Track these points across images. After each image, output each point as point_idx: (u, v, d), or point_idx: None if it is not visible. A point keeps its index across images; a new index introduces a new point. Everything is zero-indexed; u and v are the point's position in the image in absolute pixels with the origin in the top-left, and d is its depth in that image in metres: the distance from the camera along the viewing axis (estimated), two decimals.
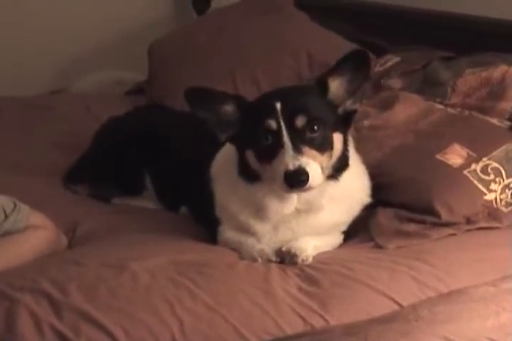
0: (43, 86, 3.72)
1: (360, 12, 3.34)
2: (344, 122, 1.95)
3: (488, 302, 1.74)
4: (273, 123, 1.85)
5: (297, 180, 1.80)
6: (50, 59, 3.81)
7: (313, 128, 1.85)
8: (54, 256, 2.01)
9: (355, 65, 1.90)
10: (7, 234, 2.01)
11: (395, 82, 2.67)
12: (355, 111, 1.96)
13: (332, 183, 1.94)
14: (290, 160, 1.80)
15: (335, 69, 1.92)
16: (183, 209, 2.34)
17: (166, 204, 2.41)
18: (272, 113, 1.85)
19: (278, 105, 1.86)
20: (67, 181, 2.57)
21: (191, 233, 2.12)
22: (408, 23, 3.11)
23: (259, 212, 1.98)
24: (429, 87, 2.57)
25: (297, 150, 1.82)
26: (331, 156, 1.89)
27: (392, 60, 2.83)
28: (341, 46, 3.08)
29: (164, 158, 2.35)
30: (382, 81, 2.71)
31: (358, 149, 2.14)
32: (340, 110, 1.93)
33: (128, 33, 3.93)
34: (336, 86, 1.92)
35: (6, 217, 2.01)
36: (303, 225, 2.00)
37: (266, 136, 1.85)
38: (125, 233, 2.14)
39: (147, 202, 2.44)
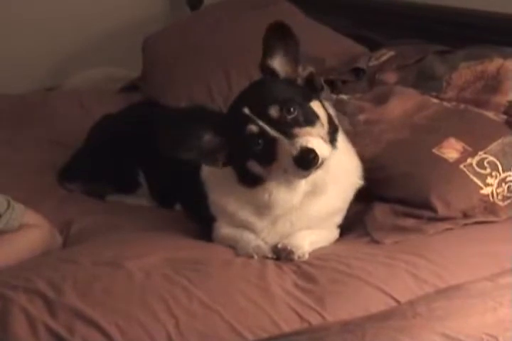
0: (36, 83, 3.71)
1: (354, 6, 3.33)
2: (310, 88, 1.95)
3: (486, 297, 1.73)
4: (253, 127, 1.85)
5: (308, 159, 1.79)
6: (43, 56, 3.79)
7: (290, 110, 1.85)
8: (48, 254, 2.01)
9: (279, 38, 1.91)
10: (1, 233, 2.00)
11: (390, 77, 2.66)
12: (312, 74, 1.96)
13: (332, 153, 1.90)
14: (290, 147, 1.80)
15: (266, 51, 1.93)
16: (178, 206, 2.34)
17: (160, 201, 2.40)
18: (245, 119, 1.85)
19: (246, 110, 1.86)
20: (61, 179, 2.56)
21: (186, 230, 2.11)
22: (403, 17, 3.10)
23: (262, 208, 1.97)
24: (424, 80, 2.56)
25: (290, 136, 1.81)
26: (322, 124, 1.89)
27: (386, 54, 2.82)
28: (335, 41, 3.07)
29: (158, 155, 2.34)
30: (377, 75, 2.70)
31: (354, 144, 2.13)
32: (298, 81, 1.94)
33: (122, 30, 3.92)
34: (278, 64, 1.93)
35: (0, 216, 1.99)
36: (302, 215, 1.99)
37: (256, 141, 1.85)
38: (120, 231, 2.14)
39: (141, 199, 2.43)
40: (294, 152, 1.79)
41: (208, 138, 1.92)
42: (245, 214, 2.00)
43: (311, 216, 2.00)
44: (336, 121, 1.99)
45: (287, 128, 1.83)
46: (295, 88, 1.93)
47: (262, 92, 1.92)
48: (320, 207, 2.00)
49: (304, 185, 1.95)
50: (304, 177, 1.89)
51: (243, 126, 1.86)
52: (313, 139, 1.82)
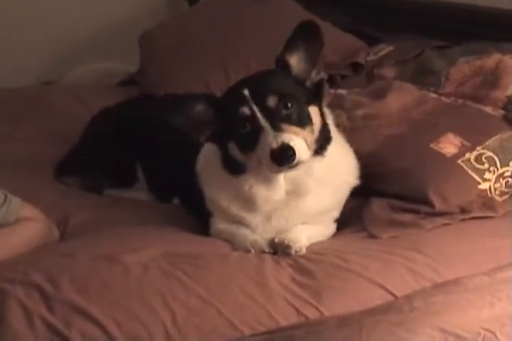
0: (34, 77, 3.70)
1: (353, 2, 3.32)
2: (316, 94, 1.95)
3: (482, 292, 1.73)
4: (246, 110, 1.85)
5: (284, 156, 1.79)
6: (41, 50, 3.79)
7: (287, 105, 1.86)
8: (45, 248, 2.00)
9: (306, 37, 1.91)
10: None
11: (388, 72, 2.66)
12: (322, 81, 1.96)
13: (318, 159, 1.93)
14: (272, 139, 1.80)
15: (289, 45, 1.93)
16: (176, 200, 2.33)
17: (158, 195, 2.40)
18: (242, 100, 1.86)
19: (246, 91, 1.86)
20: (58, 173, 2.55)
21: (184, 224, 2.11)
22: (401, 12, 3.10)
23: (250, 203, 1.97)
24: (422, 75, 2.56)
25: (276, 128, 1.82)
26: (312, 130, 1.89)
27: (385, 49, 2.82)
28: (335, 36, 3.06)
29: (156, 149, 2.34)
30: (375, 70, 2.70)
31: (352, 138, 2.13)
32: (307, 83, 1.94)
33: (119, 24, 3.91)
34: (295, 61, 1.93)
35: None
36: (295, 212, 1.99)
37: (243, 124, 1.85)
38: (117, 225, 2.13)
39: (139, 193, 2.43)
40: (274, 145, 1.79)
41: (200, 108, 1.92)
42: (236, 209, 2.00)
43: (304, 213, 2.00)
44: (332, 132, 1.98)
45: (277, 121, 1.83)
46: (301, 88, 1.92)
47: (267, 80, 1.93)
48: (311, 205, 2.00)
49: (282, 182, 1.94)
50: (276, 173, 1.89)
51: (237, 106, 1.86)
52: (297, 139, 1.82)
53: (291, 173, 1.91)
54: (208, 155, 2.05)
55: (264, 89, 1.88)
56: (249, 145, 1.86)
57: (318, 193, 1.99)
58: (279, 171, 1.87)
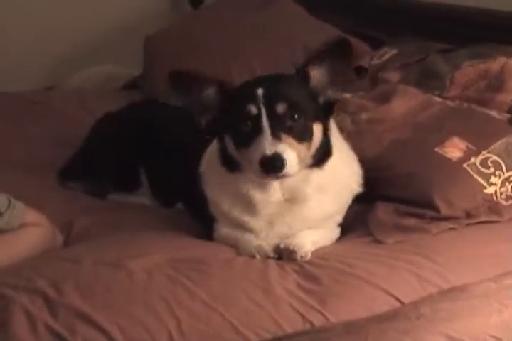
0: (37, 81, 3.70)
1: (357, 4, 3.32)
2: (325, 111, 1.93)
3: (490, 299, 1.72)
4: (253, 109, 1.83)
5: (273, 165, 1.78)
6: (44, 54, 3.79)
7: (294, 116, 1.84)
8: (49, 254, 1.99)
9: (336, 54, 1.88)
10: (2, 232, 1.99)
11: (393, 75, 2.65)
12: (336, 101, 1.94)
13: (317, 171, 1.92)
14: (267, 145, 1.79)
15: (315, 58, 1.91)
16: (179, 205, 2.33)
17: (161, 200, 2.39)
18: (253, 99, 1.84)
19: (260, 91, 1.85)
20: (62, 177, 2.55)
21: (187, 229, 2.10)
22: (405, 15, 3.10)
23: (250, 206, 1.96)
24: (427, 79, 2.55)
25: (276, 136, 1.80)
26: (310, 146, 1.87)
27: (389, 52, 2.81)
28: None
29: (159, 154, 2.33)
30: (379, 74, 2.69)
31: (356, 143, 2.12)
32: (321, 99, 1.92)
33: (123, 28, 3.91)
34: (316, 75, 1.91)
35: (1, 215, 1.98)
36: (297, 218, 1.98)
37: (246, 122, 1.84)
38: (121, 230, 2.12)
39: (143, 198, 2.42)
40: (268, 152, 1.78)
41: (210, 91, 1.91)
42: (238, 213, 1.98)
43: (307, 219, 1.99)
44: (333, 150, 1.95)
45: (279, 129, 1.81)
46: (313, 102, 1.90)
47: (283, 86, 1.90)
48: (313, 211, 1.98)
49: (277, 186, 1.93)
50: (261, 179, 1.87)
51: (246, 102, 1.84)
52: (291, 153, 1.80)
53: (288, 181, 1.90)
54: (212, 156, 2.03)
55: (278, 93, 1.86)
56: (244, 143, 1.85)
57: (319, 200, 1.97)
58: (265, 178, 1.86)
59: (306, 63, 1.92)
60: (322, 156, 1.92)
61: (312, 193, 1.95)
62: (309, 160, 1.90)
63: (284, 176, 1.82)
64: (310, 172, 1.91)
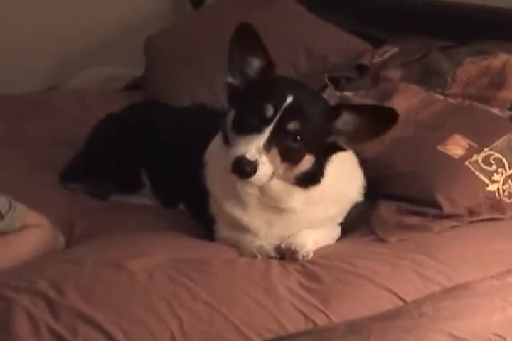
0: (38, 82, 3.70)
1: (357, 3, 3.31)
2: (325, 151, 1.90)
3: (493, 296, 1.72)
4: (270, 112, 1.80)
5: (244, 168, 1.76)
6: (45, 55, 3.79)
7: (296, 138, 1.82)
8: (51, 255, 1.99)
9: (377, 120, 1.83)
10: (3, 234, 1.99)
11: (394, 73, 2.64)
12: (342, 150, 1.90)
13: (299, 190, 1.91)
14: (254, 147, 1.77)
15: (356, 108, 1.89)
16: (181, 206, 2.32)
17: (163, 201, 2.39)
18: (277, 102, 1.81)
19: (289, 99, 1.81)
20: (63, 179, 2.54)
21: (189, 230, 2.10)
22: (406, 13, 3.09)
23: (243, 202, 1.95)
24: (428, 77, 2.55)
25: (269, 144, 1.78)
26: (289, 171, 1.86)
27: (390, 50, 2.81)
28: (339, 38, 3.06)
29: (161, 155, 2.33)
30: (380, 72, 2.69)
31: None
32: (330, 139, 1.88)
33: (124, 29, 3.90)
34: (346, 119, 1.86)
35: (2, 216, 1.98)
36: (292, 222, 1.97)
37: (252, 115, 1.81)
38: (123, 231, 2.12)
39: (145, 199, 2.42)
40: (248, 154, 1.76)
41: (256, 62, 1.88)
42: (239, 213, 1.97)
43: (299, 224, 1.98)
44: (323, 178, 1.91)
45: (274, 140, 1.79)
46: (321, 137, 1.86)
47: (311, 107, 1.86)
48: (304, 218, 1.97)
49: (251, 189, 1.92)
50: (227, 173, 1.82)
51: (269, 101, 1.81)
52: (268, 166, 1.78)
53: (269, 190, 1.90)
54: (216, 146, 2.01)
55: (301, 111, 1.82)
56: (236, 130, 1.83)
57: (311, 210, 1.97)
58: (229, 173, 1.81)
59: (345, 105, 1.90)
60: (307, 182, 1.90)
61: (299, 205, 1.94)
62: (292, 180, 1.89)
63: (247, 182, 1.80)
64: (294, 189, 1.91)
